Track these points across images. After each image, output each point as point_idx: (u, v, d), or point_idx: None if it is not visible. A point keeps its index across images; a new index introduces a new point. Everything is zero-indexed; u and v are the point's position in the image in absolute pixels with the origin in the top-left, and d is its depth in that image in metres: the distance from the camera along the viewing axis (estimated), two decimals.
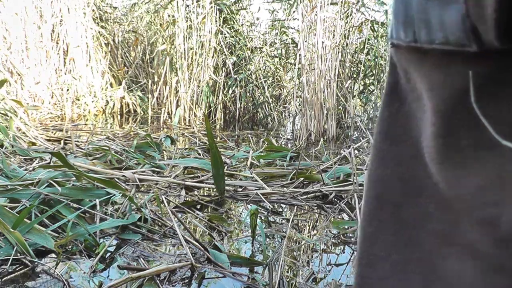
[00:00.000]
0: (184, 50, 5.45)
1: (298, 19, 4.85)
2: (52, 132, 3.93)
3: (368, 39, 5.33)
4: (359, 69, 5.44)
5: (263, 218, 2.02)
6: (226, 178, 2.31)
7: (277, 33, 6.33)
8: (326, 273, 1.48)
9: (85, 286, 1.27)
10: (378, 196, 0.28)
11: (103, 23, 6.15)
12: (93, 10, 5.90)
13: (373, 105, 5.61)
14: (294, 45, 6.05)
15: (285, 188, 2.46)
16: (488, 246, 0.24)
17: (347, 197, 2.30)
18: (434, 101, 0.26)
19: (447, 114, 0.26)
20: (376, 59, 5.32)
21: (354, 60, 5.37)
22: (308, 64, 4.62)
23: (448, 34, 0.25)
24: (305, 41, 4.63)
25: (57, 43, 5.57)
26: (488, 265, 0.24)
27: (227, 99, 5.99)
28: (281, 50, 6.40)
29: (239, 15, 6.12)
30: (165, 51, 5.59)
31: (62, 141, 3.37)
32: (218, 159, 2.16)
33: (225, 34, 5.77)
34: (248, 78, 5.84)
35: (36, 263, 1.37)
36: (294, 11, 5.90)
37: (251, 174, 2.63)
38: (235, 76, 5.73)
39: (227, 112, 6.17)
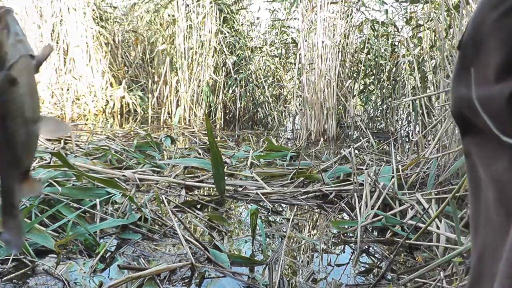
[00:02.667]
0: (184, 49, 5.45)
1: (298, 19, 4.85)
2: None
3: (369, 39, 5.33)
4: (359, 68, 5.44)
5: (263, 217, 2.02)
6: (226, 177, 2.31)
7: (277, 32, 6.33)
8: (326, 273, 1.48)
9: (85, 286, 1.27)
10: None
11: (103, 23, 6.14)
12: (93, 10, 5.89)
13: (373, 104, 5.61)
14: (294, 44, 6.04)
15: (285, 188, 2.46)
16: None
17: (347, 196, 2.30)
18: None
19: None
20: (376, 59, 5.32)
21: (354, 59, 5.37)
22: (308, 64, 4.62)
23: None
24: (305, 41, 4.63)
25: (57, 42, 5.56)
26: None
27: (227, 99, 5.99)
28: (281, 49, 6.40)
29: (239, 14, 6.12)
30: (165, 50, 5.59)
31: (62, 141, 3.36)
32: (218, 158, 2.16)
33: (225, 33, 5.77)
34: (248, 77, 5.84)
35: (36, 262, 1.37)
36: (294, 11, 5.90)
37: (251, 173, 2.63)
38: (235, 76, 5.72)
39: (227, 111, 6.17)
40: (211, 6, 5.48)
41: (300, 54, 4.66)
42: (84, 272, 1.34)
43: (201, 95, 5.62)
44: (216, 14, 5.59)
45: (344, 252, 1.68)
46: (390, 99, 5.21)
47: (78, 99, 5.50)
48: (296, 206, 2.22)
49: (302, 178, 2.57)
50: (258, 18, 6.56)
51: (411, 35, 4.54)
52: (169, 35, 5.68)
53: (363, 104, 5.69)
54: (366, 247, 1.72)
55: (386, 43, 5.26)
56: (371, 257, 1.65)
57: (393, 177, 2.23)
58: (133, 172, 2.44)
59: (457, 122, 0.41)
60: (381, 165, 2.54)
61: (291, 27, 6.31)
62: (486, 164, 0.37)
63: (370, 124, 5.56)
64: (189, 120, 5.53)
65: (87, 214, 1.75)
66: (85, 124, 4.73)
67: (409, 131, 5.06)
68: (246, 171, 2.74)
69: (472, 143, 0.39)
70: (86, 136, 3.75)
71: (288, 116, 6.33)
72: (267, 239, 1.74)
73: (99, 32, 5.91)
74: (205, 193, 2.40)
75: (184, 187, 2.36)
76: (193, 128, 4.91)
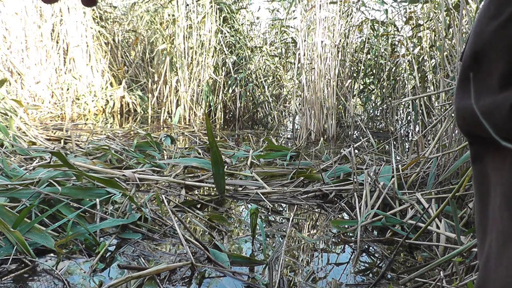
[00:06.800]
0: (184, 49, 5.45)
1: (297, 18, 4.85)
2: (52, 132, 3.93)
3: (368, 38, 5.33)
4: (359, 68, 5.44)
5: (263, 217, 2.03)
6: (226, 177, 2.31)
7: (277, 32, 6.33)
8: (326, 272, 1.48)
9: (85, 286, 1.27)
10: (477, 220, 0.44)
11: (103, 23, 6.15)
12: (93, 10, 5.89)
13: (373, 104, 5.61)
14: (294, 44, 6.04)
15: (285, 188, 2.46)
16: None
17: (347, 196, 2.30)
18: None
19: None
20: (376, 58, 5.32)
21: (354, 59, 5.37)
22: (308, 64, 4.62)
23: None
24: (304, 41, 4.63)
25: (57, 42, 5.56)
26: None
27: (227, 99, 5.99)
28: (281, 49, 6.40)
29: (239, 14, 6.12)
30: (165, 50, 5.59)
31: (62, 141, 3.37)
32: (218, 158, 2.16)
33: (225, 33, 5.77)
34: (248, 77, 5.84)
35: (36, 262, 1.37)
36: (293, 10, 5.90)
37: (251, 173, 2.63)
38: (235, 76, 5.72)
39: (227, 111, 6.18)
40: (211, 6, 5.48)
41: (299, 54, 4.66)
42: (84, 272, 1.35)
43: (201, 95, 5.62)
44: (216, 13, 5.59)
45: (344, 252, 1.68)
46: (390, 98, 5.21)
47: (78, 99, 5.50)
48: (296, 205, 2.22)
49: (302, 178, 2.57)
50: (258, 18, 6.56)
51: (411, 35, 4.54)
52: (169, 34, 5.68)
53: (363, 103, 5.70)
54: (366, 246, 1.72)
55: (386, 42, 5.26)
56: (371, 256, 1.65)
57: (393, 176, 2.23)
58: (133, 171, 2.45)
59: (464, 133, 0.42)
60: (381, 165, 2.54)
61: (291, 27, 6.32)
62: (498, 168, 0.37)
63: (370, 123, 5.56)
64: (189, 119, 5.53)
65: (87, 213, 1.75)
66: (85, 124, 4.73)
67: (409, 131, 5.06)
68: (246, 171, 2.74)
69: (485, 150, 0.39)
70: (86, 135, 3.75)
71: (288, 115, 6.33)
72: (267, 238, 1.74)
73: (99, 32, 5.92)
74: (205, 193, 2.40)
75: (184, 187, 2.36)
76: (193, 127, 4.91)
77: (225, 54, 5.77)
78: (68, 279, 1.29)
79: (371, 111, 5.62)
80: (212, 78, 5.77)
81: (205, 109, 5.62)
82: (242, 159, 3.15)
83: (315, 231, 1.91)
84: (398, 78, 5.05)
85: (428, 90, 3.96)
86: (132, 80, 6.22)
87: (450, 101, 2.60)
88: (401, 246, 1.67)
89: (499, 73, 0.35)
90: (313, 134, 4.59)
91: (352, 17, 4.95)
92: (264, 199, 2.23)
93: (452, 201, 1.49)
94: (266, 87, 5.85)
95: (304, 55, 4.62)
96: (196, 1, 5.43)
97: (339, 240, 1.79)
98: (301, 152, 3.17)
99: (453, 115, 2.27)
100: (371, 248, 1.71)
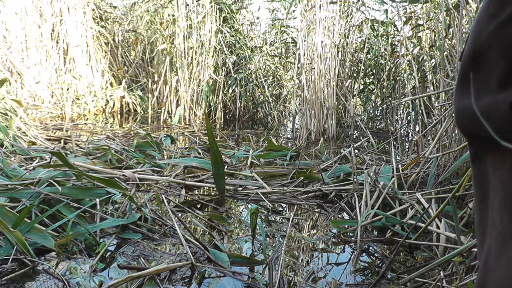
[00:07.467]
0: (184, 49, 5.45)
1: (297, 18, 4.85)
2: (52, 132, 3.93)
3: (368, 38, 5.33)
4: (359, 68, 5.44)
5: (263, 217, 2.03)
6: (226, 177, 2.31)
7: (277, 32, 6.33)
8: (326, 272, 1.48)
9: (85, 286, 1.27)
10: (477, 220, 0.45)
11: (103, 23, 6.15)
12: (93, 10, 5.90)
13: (373, 104, 5.61)
14: (294, 44, 6.05)
15: (285, 187, 2.46)
16: None
17: (347, 196, 2.30)
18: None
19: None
20: (376, 58, 5.32)
21: (354, 59, 5.37)
22: (308, 64, 4.62)
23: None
24: (304, 41, 4.63)
25: (57, 42, 5.56)
26: None
27: (227, 99, 5.99)
28: (281, 49, 6.40)
29: (239, 14, 6.12)
30: (165, 50, 5.59)
31: (62, 141, 3.37)
32: (218, 158, 2.16)
33: (225, 33, 5.77)
34: (248, 77, 5.84)
35: (36, 262, 1.37)
36: (293, 10, 5.90)
37: (251, 173, 2.63)
38: (235, 76, 5.72)
39: (227, 111, 6.18)
40: (211, 6, 5.48)
41: (299, 54, 4.66)
42: (84, 272, 1.35)
43: (201, 95, 5.62)
44: (216, 13, 5.59)
45: (344, 252, 1.68)
46: (390, 98, 5.21)
47: (78, 99, 5.50)
48: (296, 205, 2.22)
49: (302, 178, 2.57)
50: (258, 18, 6.57)
51: (411, 35, 4.54)
52: (169, 34, 5.68)
53: (363, 103, 5.69)
54: (366, 246, 1.72)
55: (386, 42, 5.26)
56: (371, 256, 1.65)
57: (393, 176, 2.23)
58: (133, 171, 2.45)
59: (463, 133, 0.41)
60: (381, 165, 2.54)
61: (291, 27, 6.32)
62: (497, 168, 0.37)
63: (370, 123, 5.56)
64: (189, 119, 5.53)
65: (87, 213, 1.75)
66: (85, 123, 4.73)
67: (409, 131, 5.06)
68: (246, 171, 2.74)
69: (485, 150, 0.39)
70: (86, 135, 3.75)
71: (288, 115, 6.33)
72: (267, 238, 1.74)
73: (99, 32, 5.92)
74: (205, 193, 2.40)
75: (184, 187, 2.36)
76: (193, 127, 4.91)
77: (225, 54, 5.77)
78: (68, 279, 1.29)
79: (371, 111, 5.62)
80: (212, 78, 5.77)
81: (205, 109, 5.62)
82: (242, 159, 3.15)
83: (315, 231, 1.91)
84: (398, 78, 5.05)
85: (428, 90, 3.95)
86: (132, 80, 6.22)
87: (450, 101, 2.60)
88: (401, 246, 1.67)
89: (498, 72, 0.35)
90: (313, 134, 4.59)
91: (352, 17, 4.95)
92: (264, 199, 2.23)
93: (452, 201, 1.49)
94: (266, 87, 5.85)
95: (304, 55, 4.62)
96: (196, 1, 5.44)
97: (339, 240, 1.79)
98: (301, 152, 3.17)
99: (453, 115, 2.27)
100: (371, 248, 1.71)
